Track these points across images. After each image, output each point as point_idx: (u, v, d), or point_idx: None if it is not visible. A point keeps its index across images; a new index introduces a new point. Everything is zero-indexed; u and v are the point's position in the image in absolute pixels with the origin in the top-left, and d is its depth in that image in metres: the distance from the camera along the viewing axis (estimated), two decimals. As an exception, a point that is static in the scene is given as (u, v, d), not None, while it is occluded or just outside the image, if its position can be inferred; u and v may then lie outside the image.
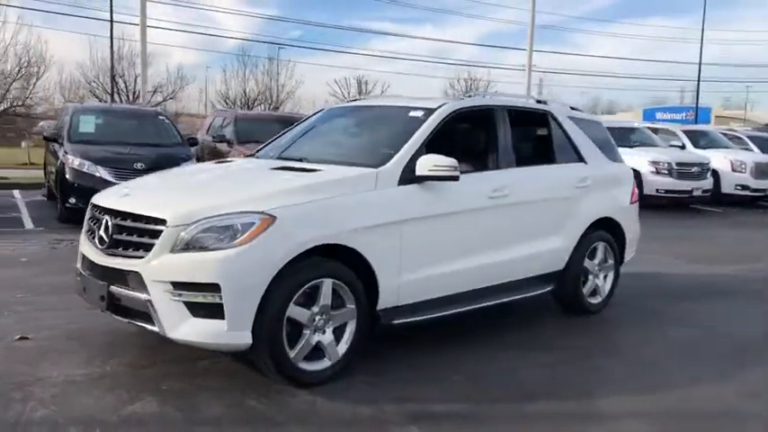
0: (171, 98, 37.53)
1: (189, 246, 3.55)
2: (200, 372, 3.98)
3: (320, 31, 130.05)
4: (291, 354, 3.72)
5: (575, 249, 5.46)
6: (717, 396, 3.98)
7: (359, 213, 3.98)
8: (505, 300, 4.96)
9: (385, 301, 4.15)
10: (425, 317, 4.38)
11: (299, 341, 3.76)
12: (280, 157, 5.00)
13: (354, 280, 3.94)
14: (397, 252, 4.15)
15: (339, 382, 3.88)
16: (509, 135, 5.10)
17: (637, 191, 6.31)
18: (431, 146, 4.49)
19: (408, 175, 4.26)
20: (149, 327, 3.64)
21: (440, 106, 4.78)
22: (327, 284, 3.82)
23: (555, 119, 5.59)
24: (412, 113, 4.80)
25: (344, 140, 5.35)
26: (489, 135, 5.09)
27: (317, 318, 3.82)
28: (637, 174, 10.60)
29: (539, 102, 5.75)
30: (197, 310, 3.52)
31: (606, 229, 5.79)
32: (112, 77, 31.63)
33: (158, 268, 3.56)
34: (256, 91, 41.72)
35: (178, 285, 3.52)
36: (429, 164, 4.25)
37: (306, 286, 3.73)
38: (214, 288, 3.48)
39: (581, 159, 5.68)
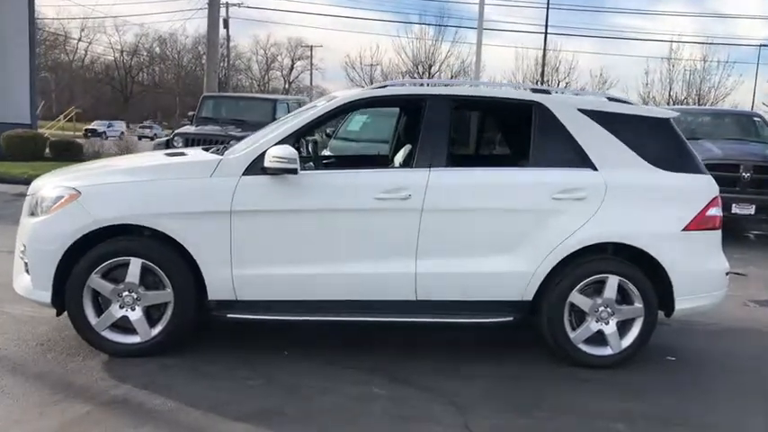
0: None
1: (30, 212, 4.18)
2: None
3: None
4: (93, 321, 4.04)
5: (549, 277, 4.25)
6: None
7: (177, 198, 4.01)
8: (414, 320, 4.24)
9: (216, 292, 4.08)
10: (266, 317, 4.13)
11: (103, 313, 4.05)
12: None
13: (172, 263, 4.01)
14: (226, 243, 4.03)
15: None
16: (443, 130, 4.28)
17: (714, 213, 4.45)
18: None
19: (259, 166, 4.07)
20: None
21: (335, 97, 4.40)
22: (135, 263, 3.99)
23: (546, 112, 4.39)
24: (319, 103, 4.50)
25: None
26: (405, 129, 4.38)
27: (125, 294, 4.03)
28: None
29: (536, 91, 4.57)
30: (24, 267, 4.13)
31: (629, 260, 4.31)
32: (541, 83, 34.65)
33: (19, 229, 4.28)
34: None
35: (21, 245, 4.18)
36: (270, 155, 3.99)
37: (108, 261, 3.99)
38: (25, 249, 4.05)
39: (587, 164, 4.34)
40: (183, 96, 61.74)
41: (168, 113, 63.37)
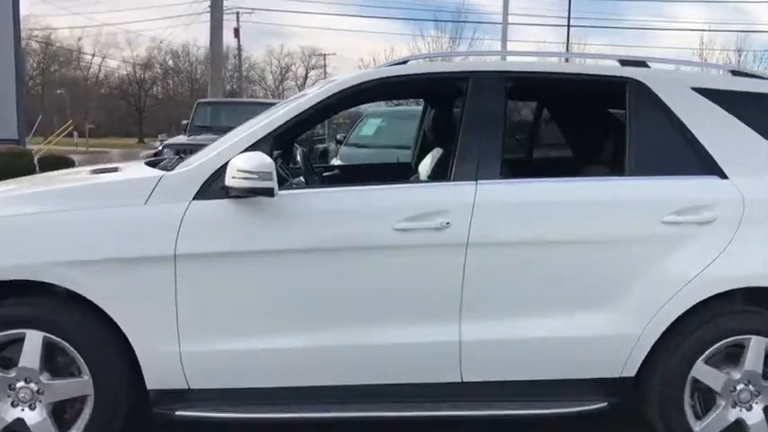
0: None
1: None
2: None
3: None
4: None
5: (661, 342, 2.81)
6: None
7: (93, 239, 2.63)
8: (458, 413, 2.81)
9: (158, 378, 2.70)
10: (236, 415, 2.72)
11: None
12: None
13: (89, 338, 2.63)
14: (168, 305, 2.64)
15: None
16: (496, 124, 2.86)
17: None
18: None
19: (219, 185, 2.69)
20: None
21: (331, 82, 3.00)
22: (33, 339, 2.61)
23: (646, 94, 2.94)
24: (310, 91, 3.08)
25: None
26: (435, 125, 3.01)
27: (20, 385, 2.65)
28: None
29: (627, 63, 3.10)
30: None
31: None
32: None
33: None
34: None
35: None
36: (234, 168, 2.61)
37: (-5, 335, 2.61)
38: None
39: (712, 169, 2.89)
40: (198, 109, 61.00)
41: (183, 127, 62.69)
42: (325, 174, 4.26)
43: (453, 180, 2.81)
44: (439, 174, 3.18)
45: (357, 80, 2.90)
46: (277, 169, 3.03)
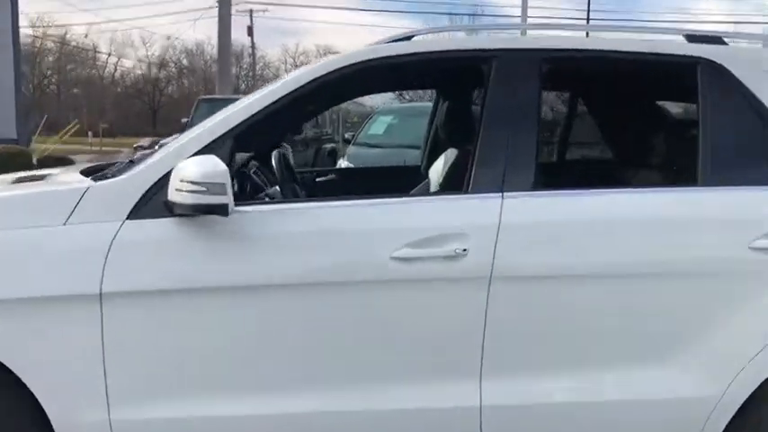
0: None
1: None
2: None
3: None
4: None
5: (747, 406, 2.13)
6: None
7: (-7, 273, 1.99)
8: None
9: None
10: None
11: None
12: None
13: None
14: (94, 359, 1.99)
15: None
16: (528, 118, 2.17)
17: None
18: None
19: (160, 200, 2.03)
20: None
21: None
22: None
23: (724, 78, 2.23)
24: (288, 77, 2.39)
25: None
26: (448, 121, 2.33)
27: None
28: None
29: (695, 39, 2.39)
30: None
31: None
32: None
33: None
34: None
35: None
36: (177, 178, 1.95)
37: None
38: None
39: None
40: (213, 108, 60.83)
41: (183, 125, 62.54)
42: (318, 179, 3.59)
43: (472, 192, 2.13)
44: (453, 183, 2.49)
45: (345, 61, 2.21)
46: (250, 178, 2.38)
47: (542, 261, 2.08)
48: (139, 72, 68.36)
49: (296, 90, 2.15)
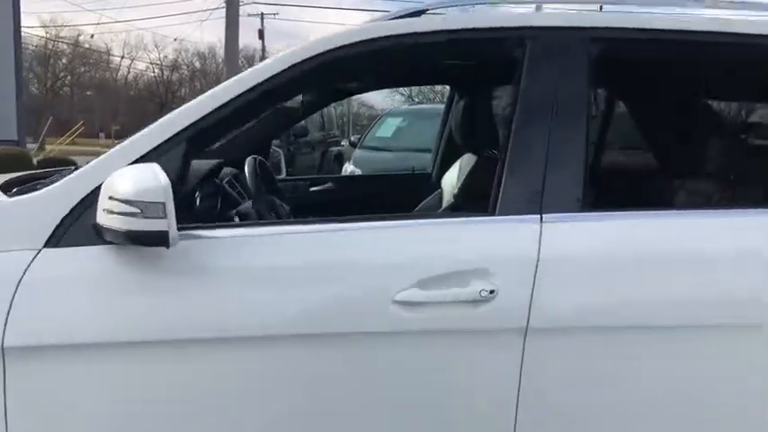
0: None
1: None
2: None
3: None
4: None
5: None
6: None
7: None
8: None
9: None
10: None
11: None
12: None
13: None
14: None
15: None
16: (576, 118, 1.65)
17: None
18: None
19: (89, 223, 1.53)
20: None
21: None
22: None
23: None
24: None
25: None
26: (466, 121, 1.82)
27: None
28: None
29: None
30: None
31: None
32: None
33: None
34: None
35: None
36: (107, 195, 1.45)
37: None
38: None
39: None
40: (224, 110, 60.94)
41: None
42: (312, 188, 3.08)
43: (500, 213, 1.61)
44: (472, 199, 1.97)
45: (342, 40, 1.68)
46: (223, 191, 1.88)
47: (596, 307, 1.56)
48: (152, 75, 68.53)
49: (271, 78, 1.63)
